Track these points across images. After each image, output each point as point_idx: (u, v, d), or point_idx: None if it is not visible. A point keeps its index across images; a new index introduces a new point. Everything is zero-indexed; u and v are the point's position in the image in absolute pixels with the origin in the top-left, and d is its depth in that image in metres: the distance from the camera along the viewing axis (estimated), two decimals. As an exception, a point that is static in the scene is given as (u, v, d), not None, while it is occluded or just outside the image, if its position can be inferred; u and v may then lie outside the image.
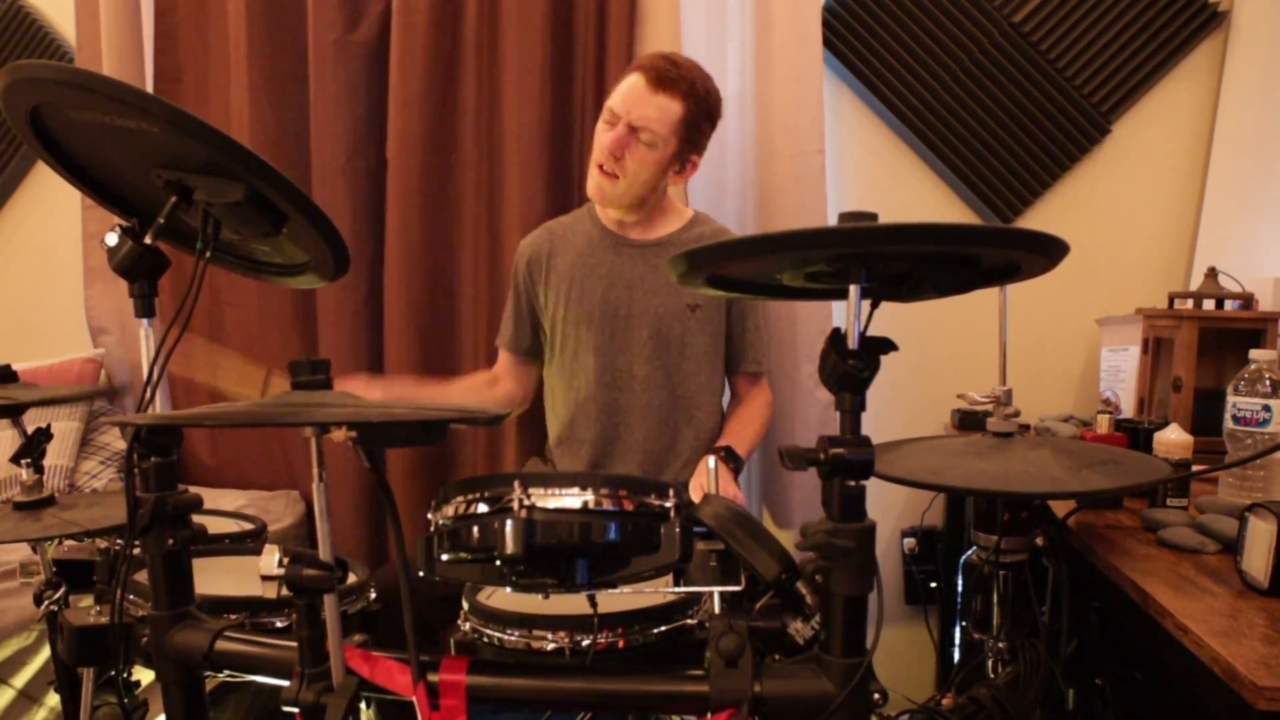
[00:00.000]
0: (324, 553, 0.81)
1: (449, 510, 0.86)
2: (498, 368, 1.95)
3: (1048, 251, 0.80)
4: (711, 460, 0.99)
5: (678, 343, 1.73)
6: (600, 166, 1.66)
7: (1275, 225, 2.04)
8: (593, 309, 1.74)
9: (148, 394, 0.92)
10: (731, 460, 1.67)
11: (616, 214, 1.77)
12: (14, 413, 1.21)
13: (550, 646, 1.03)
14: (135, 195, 0.99)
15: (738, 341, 1.80)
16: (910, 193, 2.22)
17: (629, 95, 1.64)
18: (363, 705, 0.99)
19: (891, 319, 0.87)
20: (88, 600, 1.19)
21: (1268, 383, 1.29)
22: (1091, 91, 2.10)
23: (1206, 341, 1.74)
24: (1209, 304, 1.79)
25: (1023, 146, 2.14)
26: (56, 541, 1.21)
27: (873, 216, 0.78)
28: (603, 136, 1.65)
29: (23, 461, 1.21)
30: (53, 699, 1.26)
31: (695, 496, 1.57)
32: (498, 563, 0.84)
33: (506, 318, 1.91)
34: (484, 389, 1.92)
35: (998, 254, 0.85)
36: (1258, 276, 1.87)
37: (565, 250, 1.80)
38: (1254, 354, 1.31)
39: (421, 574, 0.88)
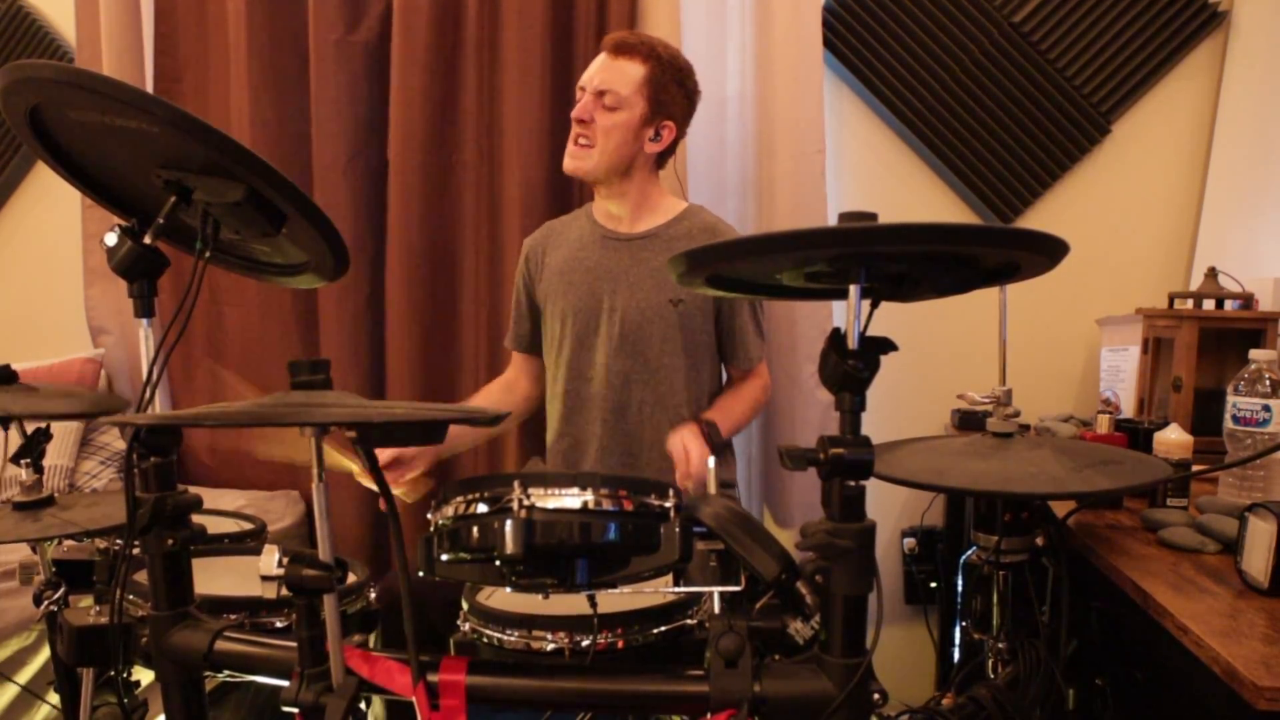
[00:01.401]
0: (324, 553, 0.81)
1: (449, 510, 0.86)
2: (511, 370, 1.95)
3: (1048, 251, 0.80)
4: (711, 460, 0.99)
5: (658, 337, 1.71)
6: (574, 141, 1.68)
7: (1275, 225, 2.04)
8: (576, 304, 1.74)
9: (148, 394, 0.92)
10: (712, 433, 1.64)
11: (607, 206, 1.77)
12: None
13: (550, 647, 1.03)
14: (135, 195, 0.99)
15: (727, 340, 1.79)
16: (910, 193, 2.22)
17: (592, 68, 1.69)
18: (365, 704, 0.99)
19: (891, 319, 0.87)
20: (88, 600, 1.18)
21: (1268, 383, 1.29)
22: (1091, 91, 2.10)
23: (1206, 341, 1.74)
24: (1209, 304, 1.79)
25: (1023, 146, 2.14)
26: (56, 541, 1.21)
27: (873, 216, 0.78)
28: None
29: (22, 461, 1.21)
30: (54, 696, 1.26)
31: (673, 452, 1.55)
32: (497, 563, 0.84)
33: (512, 316, 1.92)
34: (501, 395, 1.91)
35: (997, 254, 0.85)
36: (1258, 276, 1.87)
37: (559, 246, 1.81)
38: (1254, 354, 1.31)
39: (421, 573, 0.88)
